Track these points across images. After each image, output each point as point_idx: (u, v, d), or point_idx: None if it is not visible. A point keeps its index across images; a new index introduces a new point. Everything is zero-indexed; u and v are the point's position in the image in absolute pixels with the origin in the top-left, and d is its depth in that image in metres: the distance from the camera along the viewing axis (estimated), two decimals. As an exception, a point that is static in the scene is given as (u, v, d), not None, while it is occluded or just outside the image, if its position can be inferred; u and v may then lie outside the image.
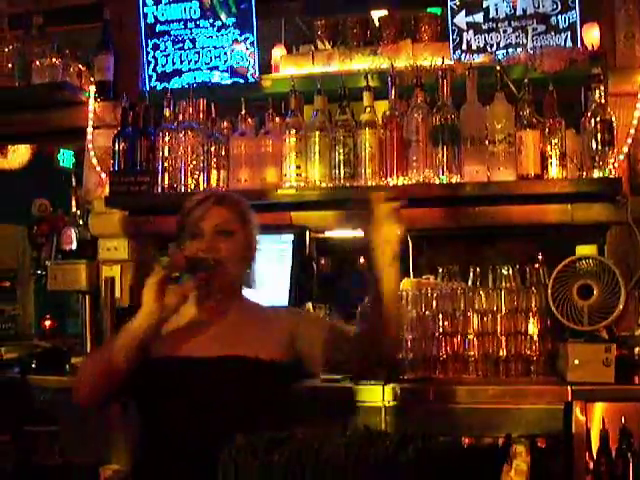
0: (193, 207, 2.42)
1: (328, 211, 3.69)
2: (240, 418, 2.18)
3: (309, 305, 3.53)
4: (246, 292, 2.54)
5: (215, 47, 4.07)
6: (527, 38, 3.69)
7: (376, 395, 3.14)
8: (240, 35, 4.02)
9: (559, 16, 3.65)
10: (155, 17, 4.13)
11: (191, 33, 4.10)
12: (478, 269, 3.37)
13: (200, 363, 2.30)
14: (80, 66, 4.17)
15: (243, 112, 3.75)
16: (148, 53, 4.14)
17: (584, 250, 3.31)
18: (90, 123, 4.08)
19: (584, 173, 3.37)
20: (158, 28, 4.14)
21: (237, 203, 2.47)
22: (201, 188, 3.72)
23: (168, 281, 2.23)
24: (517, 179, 3.39)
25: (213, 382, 2.27)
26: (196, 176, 3.74)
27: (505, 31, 3.72)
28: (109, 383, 2.28)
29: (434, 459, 1.47)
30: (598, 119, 3.33)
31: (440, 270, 3.46)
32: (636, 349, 3.17)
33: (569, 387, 3.02)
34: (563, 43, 3.64)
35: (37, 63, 4.06)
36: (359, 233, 3.95)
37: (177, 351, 2.33)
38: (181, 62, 4.12)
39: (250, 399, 2.27)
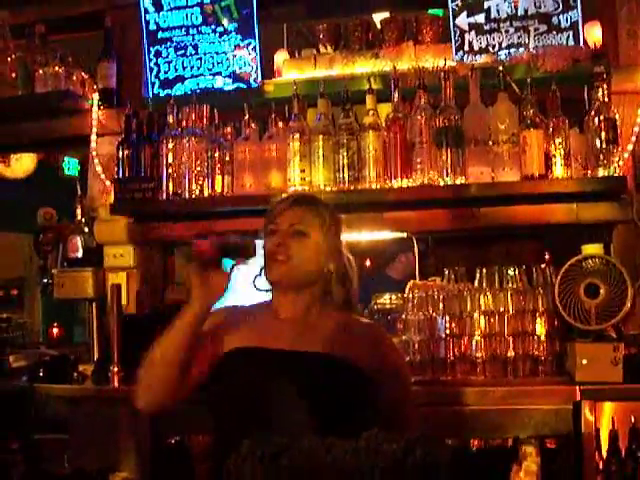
0: (273, 206, 2.45)
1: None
2: (323, 420, 2.15)
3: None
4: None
5: (217, 53, 4.08)
6: (529, 38, 3.68)
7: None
8: (242, 40, 4.03)
9: (561, 15, 3.64)
10: (157, 24, 4.13)
11: (193, 39, 4.11)
12: (484, 270, 3.35)
13: (284, 356, 2.28)
14: (83, 74, 4.18)
15: (246, 117, 3.75)
16: (150, 60, 4.15)
17: (590, 249, 3.30)
18: (94, 131, 4.08)
19: (589, 172, 3.37)
20: (160, 35, 4.14)
21: (316, 205, 2.45)
22: (205, 194, 3.73)
23: (210, 264, 2.23)
24: (522, 179, 3.38)
25: (286, 376, 2.25)
26: (200, 182, 3.74)
27: (507, 31, 3.72)
28: (169, 384, 2.27)
29: (441, 463, 1.47)
30: (602, 117, 3.33)
31: (446, 272, 3.44)
32: (644, 348, 3.16)
33: (577, 387, 3.01)
34: (565, 42, 3.64)
35: (40, 72, 4.07)
36: (364, 236, 3.98)
37: (258, 343, 2.33)
38: (183, 68, 4.12)
39: (332, 399, 2.24)
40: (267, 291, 2.44)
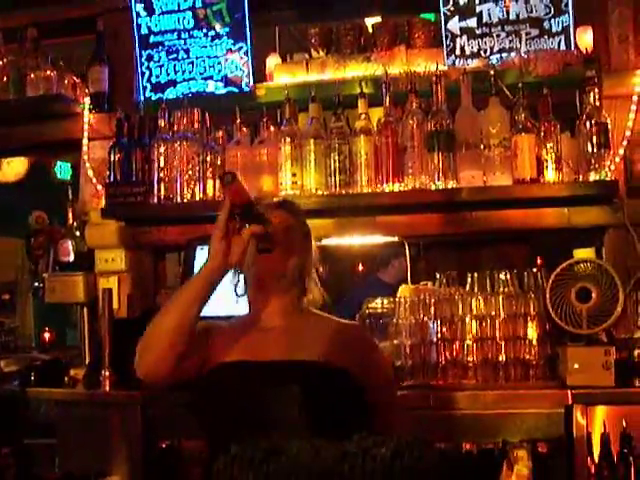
0: None
1: (324, 219, 3.68)
2: (319, 427, 2.15)
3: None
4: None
5: (209, 57, 4.07)
6: (521, 42, 3.69)
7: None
8: (234, 44, 4.02)
9: (552, 20, 3.65)
10: (149, 28, 4.13)
11: (185, 43, 4.10)
12: (476, 274, 3.36)
13: (267, 367, 2.27)
14: (75, 78, 4.17)
15: (238, 121, 3.74)
16: (142, 64, 4.14)
17: (582, 253, 3.30)
18: (85, 135, 4.07)
19: (580, 176, 3.38)
20: (152, 39, 4.13)
21: (294, 212, 2.49)
22: (197, 198, 3.72)
23: (231, 228, 2.23)
24: (513, 183, 3.39)
25: (280, 386, 2.24)
26: (192, 186, 3.73)
27: (499, 36, 3.73)
28: (176, 346, 2.23)
29: (430, 466, 1.47)
30: (593, 122, 3.34)
31: (438, 276, 3.45)
32: (635, 352, 3.16)
33: (569, 391, 3.02)
34: (557, 47, 3.64)
35: (31, 76, 4.06)
36: (355, 240, 3.98)
37: (244, 356, 2.32)
38: (175, 72, 4.12)
39: (322, 404, 2.24)
40: (243, 295, 2.43)
